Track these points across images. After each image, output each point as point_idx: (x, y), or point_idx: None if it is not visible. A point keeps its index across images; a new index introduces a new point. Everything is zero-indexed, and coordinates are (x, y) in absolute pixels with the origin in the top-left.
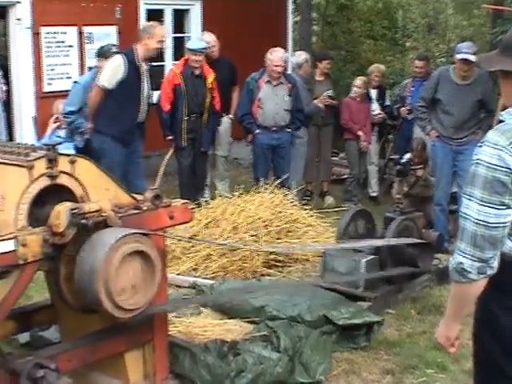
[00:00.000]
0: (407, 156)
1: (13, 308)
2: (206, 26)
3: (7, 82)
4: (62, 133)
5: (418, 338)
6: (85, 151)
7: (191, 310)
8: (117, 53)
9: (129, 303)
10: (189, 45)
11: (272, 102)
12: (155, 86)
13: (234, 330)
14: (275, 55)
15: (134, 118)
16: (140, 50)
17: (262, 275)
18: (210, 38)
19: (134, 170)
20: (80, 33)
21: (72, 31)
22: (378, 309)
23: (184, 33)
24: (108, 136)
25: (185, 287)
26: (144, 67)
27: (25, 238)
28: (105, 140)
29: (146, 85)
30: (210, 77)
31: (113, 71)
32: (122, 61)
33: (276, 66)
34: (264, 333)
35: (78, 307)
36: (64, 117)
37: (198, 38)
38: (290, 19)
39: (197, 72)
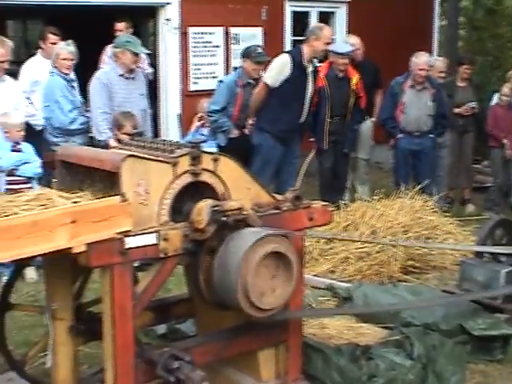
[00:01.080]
0: None
1: (152, 300)
2: (351, 29)
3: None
4: (206, 131)
5: None
6: (228, 149)
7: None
8: (285, 52)
9: (265, 303)
10: (335, 48)
11: (415, 107)
12: None
13: (368, 334)
14: (420, 59)
15: (296, 118)
16: (306, 51)
17: (399, 281)
18: (355, 41)
19: (289, 169)
20: (226, 33)
21: (219, 32)
22: None
23: None
24: (268, 133)
25: (321, 288)
26: (310, 68)
27: (167, 232)
28: (265, 137)
29: (310, 85)
30: (355, 78)
31: (278, 70)
32: (288, 60)
33: (421, 69)
34: (398, 338)
35: (214, 303)
36: (208, 115)
37: (343, 40)
38: (437, 23)
39: (341, 75)
